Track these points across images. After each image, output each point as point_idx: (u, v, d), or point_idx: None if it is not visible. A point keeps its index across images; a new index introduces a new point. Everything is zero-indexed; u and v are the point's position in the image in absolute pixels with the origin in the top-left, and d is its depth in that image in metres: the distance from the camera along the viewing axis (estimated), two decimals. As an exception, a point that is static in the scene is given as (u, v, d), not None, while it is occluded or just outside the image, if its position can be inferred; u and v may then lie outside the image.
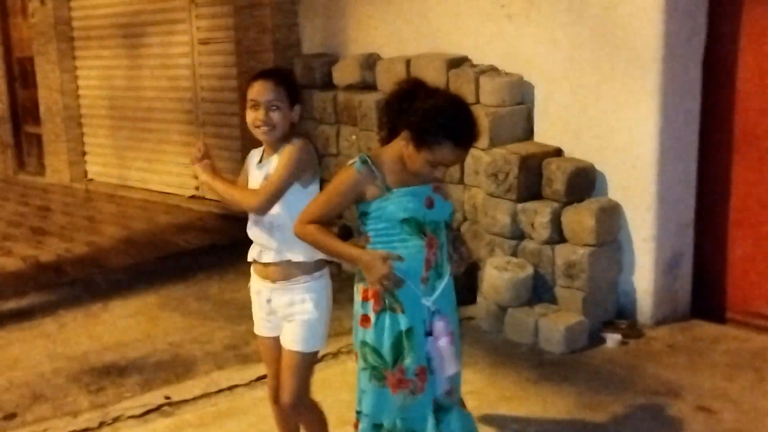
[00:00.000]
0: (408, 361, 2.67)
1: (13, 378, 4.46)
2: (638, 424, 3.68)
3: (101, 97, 9.55)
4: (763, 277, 4.74)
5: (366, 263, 2.62)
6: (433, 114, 2.57)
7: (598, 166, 4.87)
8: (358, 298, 2.75)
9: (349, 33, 6.56)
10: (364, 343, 2.72)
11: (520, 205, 4.85)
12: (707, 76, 4.75)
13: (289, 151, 2.82)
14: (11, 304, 5.70)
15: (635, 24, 4.61)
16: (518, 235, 4.91)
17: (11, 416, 4.02)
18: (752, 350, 4.42)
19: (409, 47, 5.95)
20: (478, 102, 5.21)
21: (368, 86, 6.12)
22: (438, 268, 2.72)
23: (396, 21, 6.11)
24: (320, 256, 2.86)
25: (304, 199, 2.81)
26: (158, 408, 3.99)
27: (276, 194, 2.80)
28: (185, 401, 4.05)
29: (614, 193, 4.82)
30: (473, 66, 5.45)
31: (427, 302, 2.69)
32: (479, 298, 4.95)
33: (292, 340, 2.91)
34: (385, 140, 2.77)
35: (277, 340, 2.98)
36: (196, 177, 3.10)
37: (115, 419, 3.89)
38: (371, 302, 2.69)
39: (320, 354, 3.57)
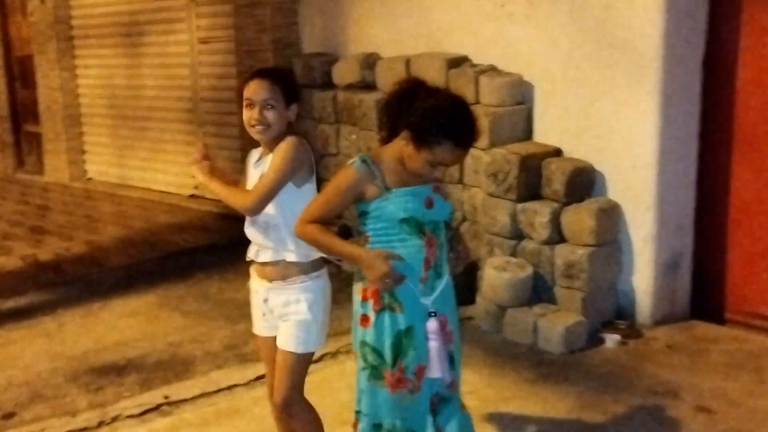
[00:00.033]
0: (408, 360, 2.67)
1: (12, 377, 4.46)
2: (637, 424, 3.68)
3: (101, 96, 9.54)
4: (763, 278, 4.73)
5: (367, 261, 2.61)
6: (433, 114, 2.56)
7: (598, 167, 4.86)
8: (357, 297, 2.75)
9: (348, 32, 6.55)
10: (363, 343, 2.71)
11: (519, 205, 4.85)
12: (707, 76, 4.74)
13: (281, 150, 2.80)
14: (10, 303, 5.70)
15: (635, 24, 4.61)
16: (518, 235, 4.90)
17: (10, 415, 4.02)
18: (751, 351, 4.42)
19: (409, 47, 5.94)
20: (478, 102, 5.21)
21: (368, 86, 6.12)
22: (437, 268, 2.72)
23: (396, 21, 6.10)
24: (316, 256, 2.86)
25: (298, 198, 2.80)
26: (157, 407, 3.99)
27: (268, 194, 2.78)
28: (184, 401, 4.05)
29: (614, 194, 4.81)
30: (473, 66, 5.44)
31: (426, 302, 2.69)
32: (479, 299, 4.95)
33: (286, 341, 2.90)
34: (385, 140, 2.76)
35: (274, 339, 2.97)
36: (193, 177, 3.09)
37: (114, 419, 3.90)
38: (370, 302, 2.68)
39: (319, 354, 3.57)
